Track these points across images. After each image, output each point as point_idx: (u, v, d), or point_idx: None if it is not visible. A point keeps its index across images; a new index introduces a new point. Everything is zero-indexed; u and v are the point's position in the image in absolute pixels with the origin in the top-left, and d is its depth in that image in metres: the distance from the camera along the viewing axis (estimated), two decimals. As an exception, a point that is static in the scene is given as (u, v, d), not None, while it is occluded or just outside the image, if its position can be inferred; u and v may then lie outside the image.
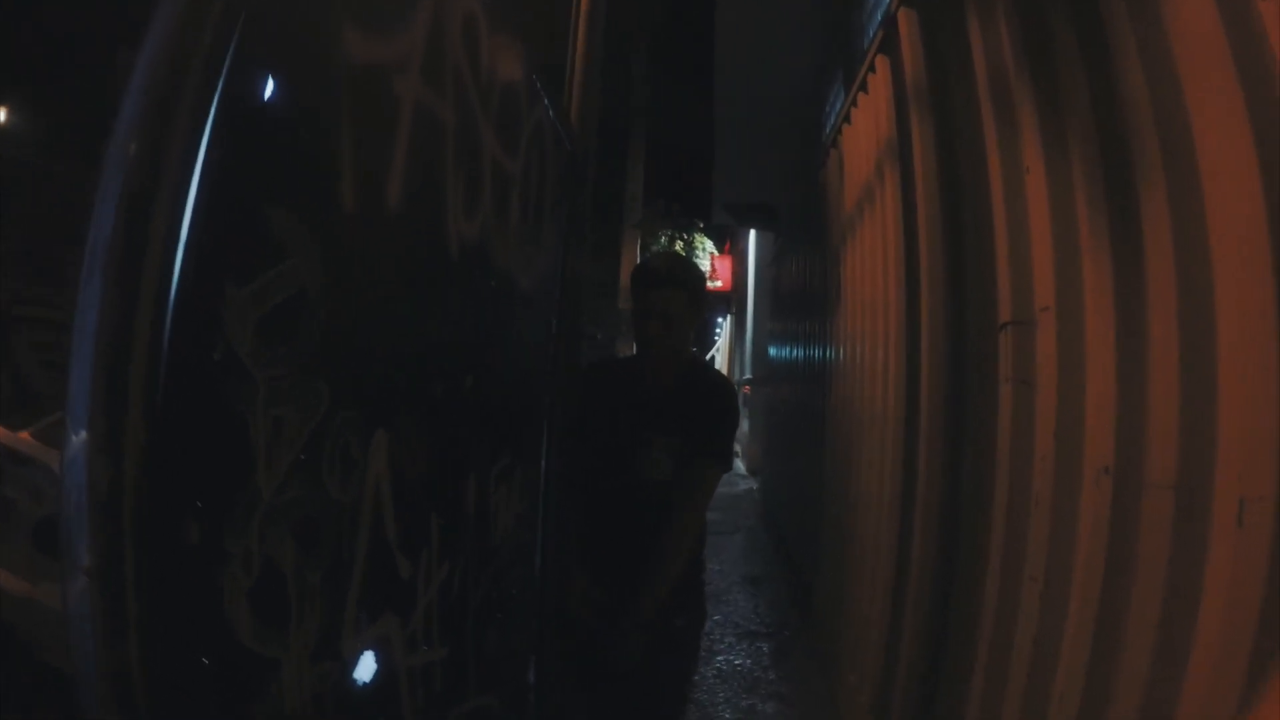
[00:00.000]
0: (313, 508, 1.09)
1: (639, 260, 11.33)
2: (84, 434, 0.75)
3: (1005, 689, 1.81)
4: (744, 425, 12.25)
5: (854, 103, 3.74)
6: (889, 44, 3.03)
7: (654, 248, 14.22)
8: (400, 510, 1.34)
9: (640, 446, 2.29)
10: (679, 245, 15.20)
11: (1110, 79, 1.54)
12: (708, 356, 22.60)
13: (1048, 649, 1.64)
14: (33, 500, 3.42)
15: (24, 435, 3.79)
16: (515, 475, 2.03)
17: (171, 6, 0.80)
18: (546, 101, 2.05)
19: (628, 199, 12.15)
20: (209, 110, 0.79)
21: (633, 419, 2.34)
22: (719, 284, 16.47)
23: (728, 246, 16.97)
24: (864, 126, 3.58)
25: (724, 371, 18.05)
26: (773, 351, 8.80)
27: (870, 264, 3.39)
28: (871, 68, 3.34)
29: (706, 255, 15.95)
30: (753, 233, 12.75)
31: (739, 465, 12.14)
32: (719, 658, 4.40)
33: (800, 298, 6.11)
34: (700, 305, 2.40)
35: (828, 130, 4.94)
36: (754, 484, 10.83)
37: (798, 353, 6.16)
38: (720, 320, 22.03)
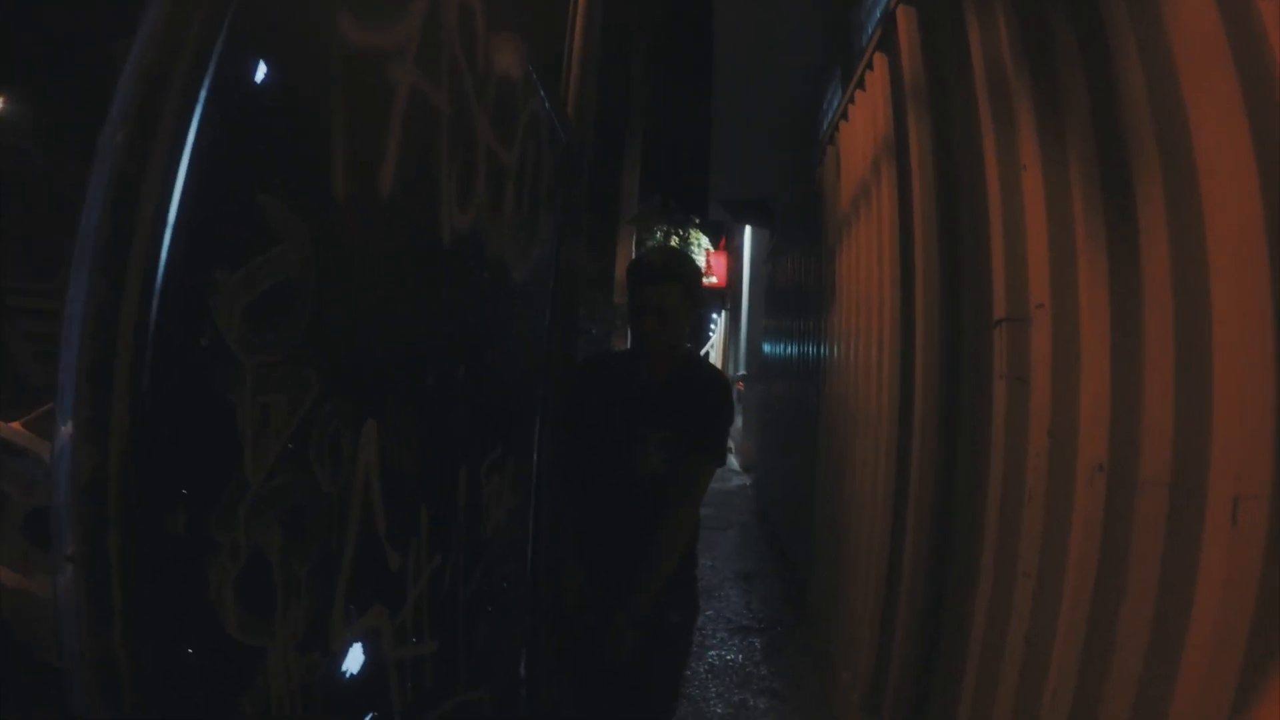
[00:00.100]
0: (301, 497, 1.08)
1: (634, 255, 11.33)
2: (71, 424, 0.75)
3: (998, 686, 1.81)
4: (738, 421, 12.25)
5: (851, 100, 3.73)
6: (887, 42, 3.02)
7: (650, 243, 14.21)
8: (390, 501, 1.33)
9: (635, 441, 2.28)
10: (674, 241, 15.20)
11: (1109, 78, 1.53)
12: (702, 352, 22.61)
13: (1041, 646, 1.63)
14: (24, 492, 3.39)
15: (15, 426, 3.76)
16: (507, 468, 2.02)
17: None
18: (543, 93, 2.04)
19: (624, 194, 12.14)
20: (199, 94, 0.78)
21: (628, 414, 2.33)
22: (714, 280, 16.48)
23: (723, 243, 16.98)
24: (861, 124, 3.57)
25: (718, 367, 18.04)
26: (767, 348, 8.81)
27: (866, 261, 3.39)
28: (869, 65, 3.33)
29: (702, 251, 15.97)
30: (748, 229, 12.74)
31: (733, 461, 12.15)
32: (711, 653, 4.41)
33: (795, 294, 6.11)
34: (696, 300, 2.39)
35: (825, 127, 4.93)
36: (747, 480, 10.84)
37: (792, 349, 6.16)
38: (715, 316, 22.04)
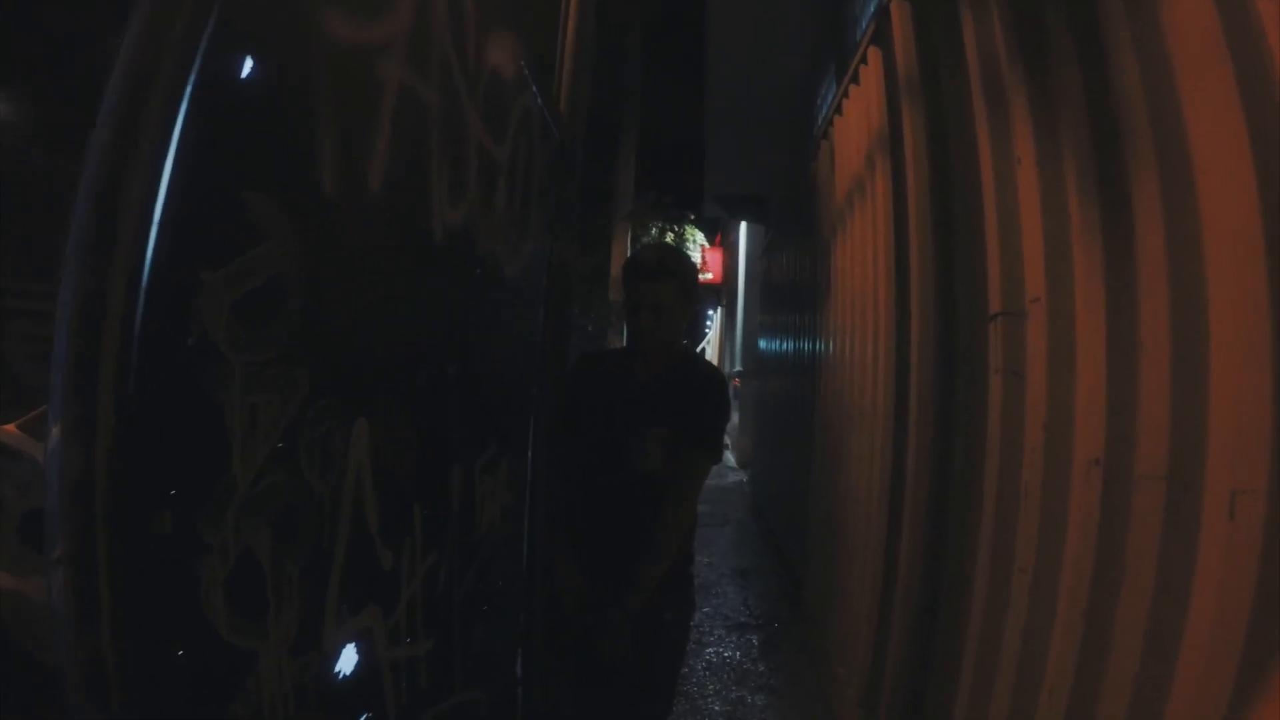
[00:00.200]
0: (291, 497, 1.07)
1: (630, 252, 11.32)
2: (59, 423, 0.74)
3: (994, 682, 1.81)
4: (734, 418, 12.26)
5: (845, 94, 3.73)
6: (881, 36, 3.02)
7: (645, 239, 14.20)
8: (382, 501, 1.32)
9: (632, 439, 2.28)
10: (669, 237, 15.19)
11: (1104, 71, 1.53)
12: (699, 349, 22.62)
13: (1037, 642, 1.63)
14: (19, 494, 3.39)
15: (10, 428, 3.75)
16: (502, 466, 2.01)
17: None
18: (535, 89, 2.02)
19: (619, 190, 12.12)
20: (184, 91, 0.77)
21: (624, 412, 2.33)
22: (709, 276, 16.49)
23: (719, 239, 16.98)
24: (855, 118, 3.56)
25: (714, 364, 18.06)
26: (763, 344, 8.80)
27: (860, 255, 3.39)
28: (864, 59, 3.32)
29: (697, 247, 15.96)
30: (743, 225, 12.74)
31: (729, 457, 12.16)
32: (709, 650, 4.40)
33: (790, 290, 6.10)
34: (692, 297, 2.38)
35: (819, 122, 4.93)
36: (744, 476, 10.84)
37: (788, 345, 6.16)
38: (711, 312, 22.04)
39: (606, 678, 2.30)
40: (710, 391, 2.39)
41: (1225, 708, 1.09)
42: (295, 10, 1.00)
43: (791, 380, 5.83)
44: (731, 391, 12.80)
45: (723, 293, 17.37)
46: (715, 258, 16.82)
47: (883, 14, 2.95)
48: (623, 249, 11.92)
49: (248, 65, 0.89)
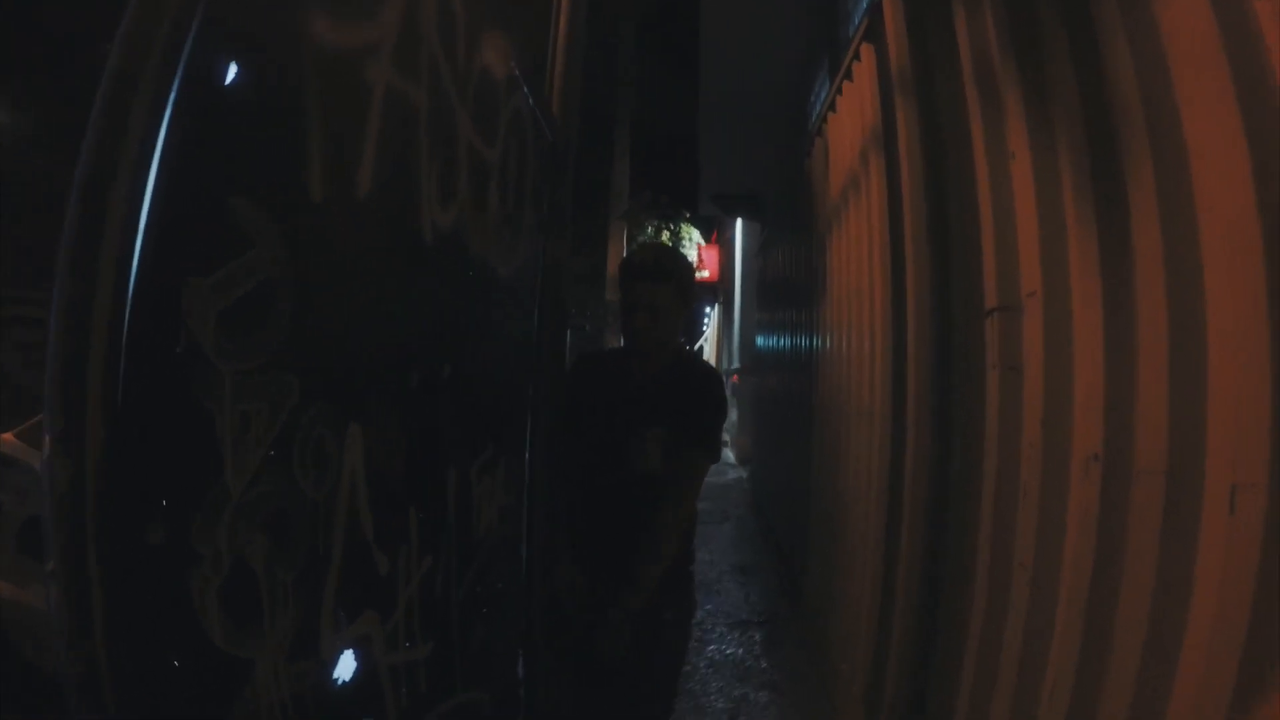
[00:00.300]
0: (285, 504, 1.06)
1: (625, 251, 11.32)
2: (48, 435, 0.74)
3: (996, 678, 1.80)
4: (733, 414, 12.26)
5: (839, 91, 3.72)
6: (874, 31, 3.01)
7: (641, 238, 14.19)
8: (377, 505, 1.32)
9: (630, 440, 2.28)
10: (665, 236, 15.18)
11: (1097, 64, 1.52)
12: (696, 347, 22.63)
13: (1038, 638, 1.63)
14: (18, 502, 3.38)
15: (8, 436, 3.73)
16: (499, 467, 2.00)
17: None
18: (526, 89, 2.02)
19: (614, 190, 12.11)
20: (169, 95, 0.77)
21: (622, 412, 2.33)
22: (706, 274, 16.47)
23: (715, 236, 16.97)
24: (849, 114, 3.56)
25: (712, 361, 18.06)
26: (760, 341, 8.80)
27: (856, 252, 3.38)
28: (856, 56, 3.31)
29: (693, 245, 15.94)
30: (739, 222, 12.74)
31: (728, 454, 12.15)
32: (710, 647, 4.40)
33: (787, 287, 6.10)
34: (688, 297, 2.38)
35: (813, 119, 4.92)
36: (743, 473, 10.84)
37: (785, 342, 6.16)
38: (708, 310, 22.04)
39: (607, 678, 2.29)
40: (707, 390, 2.39)
41: (1228, 703, 1.08)
42: (281, 13, 0.99)
43: (789, 377, 5.82)
44: (730, 389, 12.80)
45: (719, 290, 17.36)
46: (711, 255, 16.80)
47: (875, 10, 2.95)
48: (619, 248, 11.91)
49: (233, 68, 0.88)
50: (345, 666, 1.28)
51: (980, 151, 2.01)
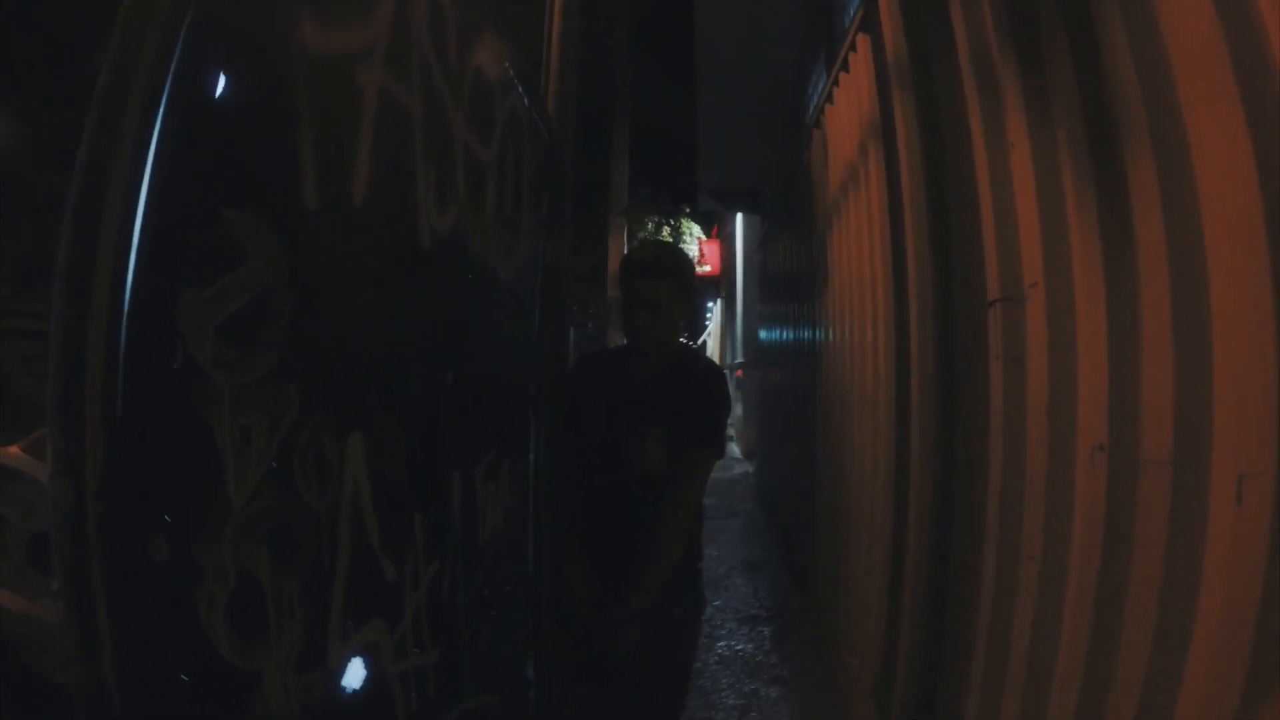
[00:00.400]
0: (288, 516, 1.06)
1: (626, 248, 11.30)
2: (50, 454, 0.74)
3: (1006, 668, 1.80)
4: (738, 409, 12.25)
5: (836, 83, 3.71)
6: (869, 21, 3.00)
7: (641, 235, 14.18)
8: (382, 513, 1.31)
9: (633, 439, 2.27)
10: (666, 231, 15.17)
11: (1096, 52, 1.51)
12: (699, 341, 22.63)
13: (1048, 629, 1.62)
14: (24, 516, 3.39)
15: (14, 450, 3.74)
16: (503, 470, 2.00)
17: (123, 6, 0.77)
18: (521, 89, 2.01)
19: (613, 187, 12.10)
20: (158, 110, 0.76)
21: (624, 411, 2.32)
22: (708, 269, 16.46)
23: (715, 230, 16.95)
24: (847, 106, 3.54)
25: (715, 355, 18.06)
26: (763, 334, 8.79)
27: (856, 244, 3.37)
28: (853, 46, 3.30)
29: (694, 241, 15.92)
30: (740, 216, 12.72)
31: (734, 449, 12.15)
32: (720, 643, 4.40)
33: (788, 280, 6.09)
34: (689, 293, 2.37)
35: (811, 111, 4.91)
36: (749, 467, 10.84)
37: (788, 335, 6.15)
38: (710, 305, 22.03)
39: (615, 677, 2.29)
40: (709, 388, 2.38)
41: (1239, 692, 1.08)
42: (269, 20, 0.99)
43: (793, 371, 5.82)
44: (734, 383, 12.80)
45: (721, 284, 17.35)
46: (713, 250, 16.79)
47: (870, 0, 2.94)
48: (619, 245, 11.90)
49: (223, 78, 0.87)
50: (354, 675, 1.28)
51: (980, 142, 2.00)
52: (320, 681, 1.16)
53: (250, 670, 0.99)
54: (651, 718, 2.34)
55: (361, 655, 1.29)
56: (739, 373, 13.05)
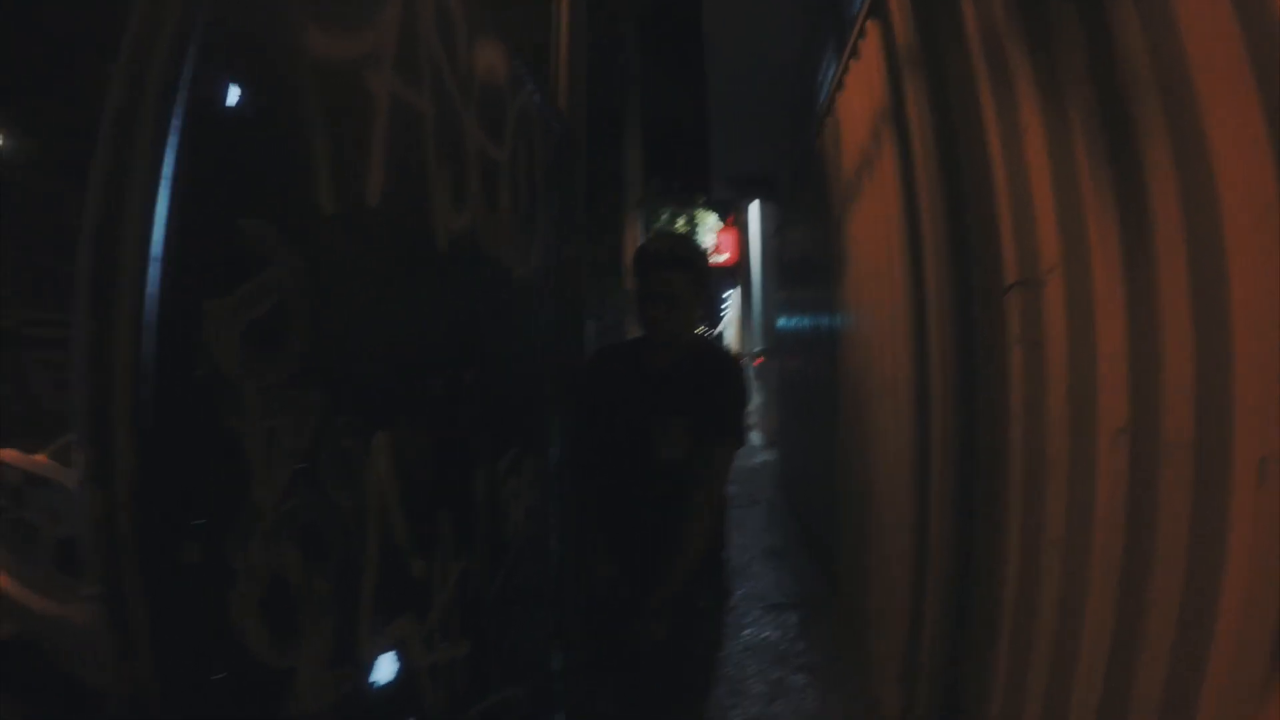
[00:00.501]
0: (316, 516, 1.08)
1: (641, 240, 11.28)
2: (82, 463, 0.75)
3: (1031, 654, 1.79)
4: (758, 398, 12.22)
5: (846, 69, 3.68)
6: (878, 7, 2.98)
7: (656, 226, 14.15)
8: (408, 510, 1.33)
9: (652, 429, 2.28)
10: (681, 221, 15.12)
11: (1107, 31, 1.49)
12: (717, 331, 22.57)
13: (1072, 613, 1.62)
14: (52, 521, 3.45)
15: (40, 457, 3.81)
16: (525, 465, 2.02)
17: (131, 20, 0.78)
18: (531, 85, 2.02)
19: (627, 179, 12.07)
20: (170, 124, 0.77)
21: (642, 402, 2.33)
22: (725, 257, 16.38)
23: (730, 219, 16.87)
24: (858, 92, 3.52)
25: (733, 345, 18.01)
26: (782, 322, 8.77)
27: (872, 230, 3.35)
28: (862, 32, 3.28)
29: (710, 230, 15.86)
30: (755, 204, 12.66)
31: (756, 438, 12.13)
32: (746, 631, 4.42)
33: (805, 267, 6.07)
34: (704, 284, 2.37)
35: (822, 97, 4.88)
36: (771, 456, 10.82)
37: (806, 323, 6.13)
38: (727, 294, 21.95)
39: (642, 667, 2.30)
40: (727, 377, 2.38)
41: (1263, 674, 1.07)
42: (278, 31, 1.00)
43: (813, 358, 5.80)
44: (754, 371, 12.77)
45: (738, 273, 17.27)
46: (729, 238, 16.70)
47: (878, -15, 2.91)
48: (634, 237, 11.88)
49: (234, 90, 0.89)
50: (384, 670, 1.30)
51: (992, 125, 1.99)
52: (352, 676, 1.19)
53: (283, 667, 1.01)
54: (677, 707, 2.36)
55: (391, 650, 1.31)
56: (758, 361, 13.01)
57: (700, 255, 2.43)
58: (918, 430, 2.64)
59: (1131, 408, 1.44)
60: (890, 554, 3.08)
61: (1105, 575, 1.49)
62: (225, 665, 0.91)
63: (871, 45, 3.13)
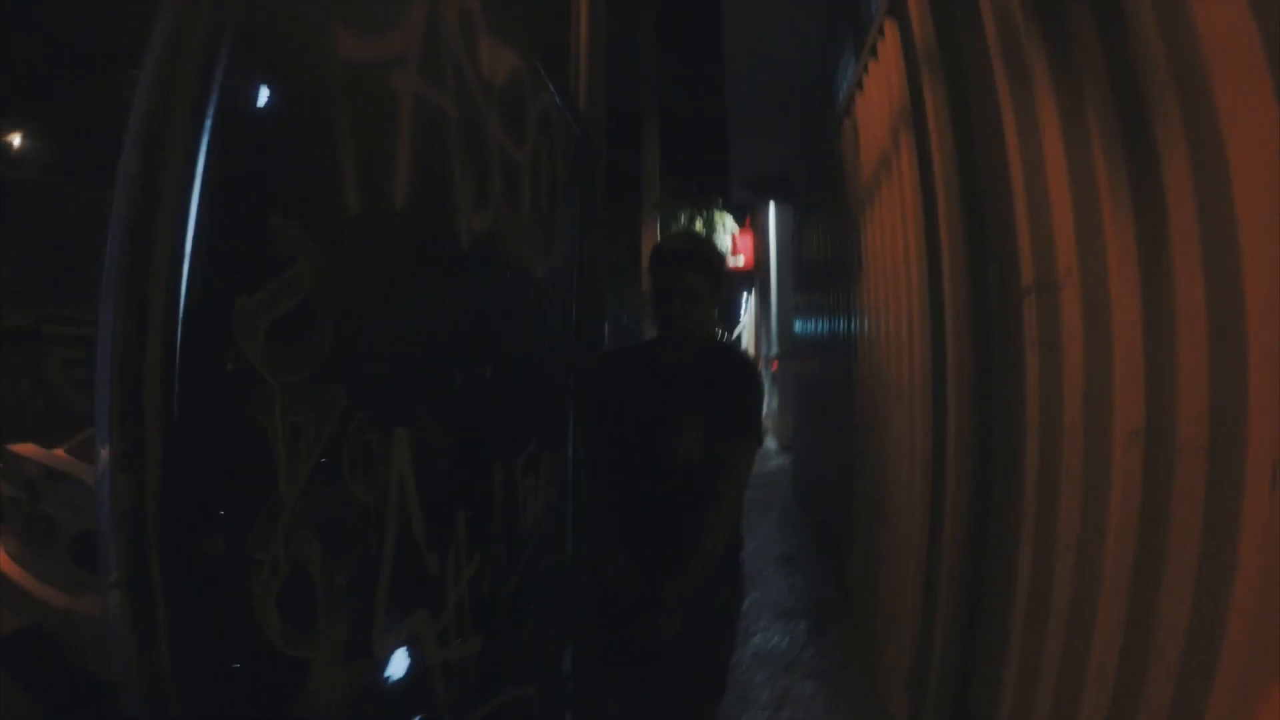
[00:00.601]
0: (337, 510, 1.09)
1: (658, 240, 11.29)
2: (108, 453, 0.77)
3: (1041, 658, 1.79)
4: (773, 402, 12.20)
5: (865, 70, 3.69)
6: (897, 7, 2.98)
7: (674, 227, 14.15)
8: (426, 506, 1.35)
9: (668, 429, 2.28)
10: (699, 223, 15.12)
11: (1124, 34, 1.49)
12: (734, 335, 22.53)
13: (1083, 617, 1.62)
14: (70, 516, 3.50)
15: (59, 452, 3.87)
16: (542, 463, 2.03)
17: (162, 22, 0.80)
18: (552, 87, 2.03)
19: (645, 180, 12.10)
20: (204, 124, 0.79)
21: (657, 400, 2.33)
22: (742, 260, 16.36)
23: (748, 221, 16.84)
24: (876, 94, 3.52)
25: (750, 348, 17.98)
26: (798, 326, 8.74)
27: (890, 232, 3.35)
28: (881, 33, 3.28)
29: (728, 233, 15.84)
30: (772, 207, 12.64)
31: (770, 442, 12.10)
32: (756, 637, 4.41)
33: (823, 270, 6.06)
34: (720, 284, 2.37)
35: (840, 98, 4.87)
36: (785, 460, 10.79)
37: (823, 326, 6.12)
38: (744, 298, 21.91)
39: (656, 664, 2.30)
40: (743, 374, 2.39)
41: (1273, 679, 1.07)
42: (307, 32, 1.02)
43: (829, 362, 5.79)
44: (770, 375, 12.74)
45: (755, 277, 17.23)
46: (746, 242, 16.66)
47: (898, -15, 2.92)
48: (652, 238, 11.90)
49: (264, 90, 0.91)
50: (398, 664, 1.31)
51: (1011, 127, 1.99)
52: (366, 669, 1.20)
53: (300, 659, 1.02)
54: (691, 705, 2.36)
55: (406, 644, 1.32)
56: (775, 365, 12.99)
57: (717, 254, 2.43)
58: (933, 434, 2.64)
59: (1146, 411, 1.44)
60: (903, 558, 3.08)
61: (1116, 581, 1.49)
62: (243, 656, 0.93)
63: (890, 46, 3.13)
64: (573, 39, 2.54)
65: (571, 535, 2.34)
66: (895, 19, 3.04)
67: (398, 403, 1.26)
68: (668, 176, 13.48)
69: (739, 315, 23.34)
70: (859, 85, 3.87)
